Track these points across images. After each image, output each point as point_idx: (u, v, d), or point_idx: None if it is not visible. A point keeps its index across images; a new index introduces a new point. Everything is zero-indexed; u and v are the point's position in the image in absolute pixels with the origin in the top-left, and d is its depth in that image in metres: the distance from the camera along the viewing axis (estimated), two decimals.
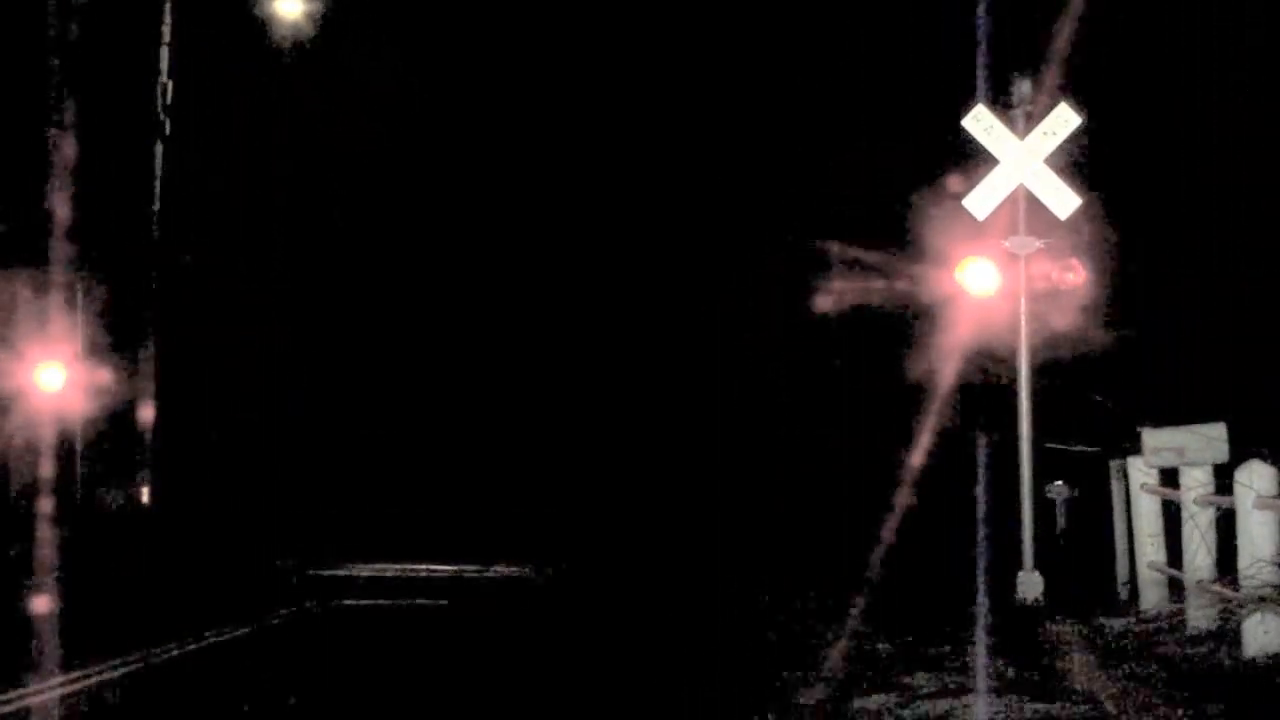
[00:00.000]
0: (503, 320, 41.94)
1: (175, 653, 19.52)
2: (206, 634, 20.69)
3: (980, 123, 22.44)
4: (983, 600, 21.67)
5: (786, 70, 37.96)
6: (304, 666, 18.85)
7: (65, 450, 30.46)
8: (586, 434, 39.45)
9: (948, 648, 18.15)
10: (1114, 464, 22.09)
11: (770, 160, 38.63)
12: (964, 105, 22.64)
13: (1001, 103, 22.75)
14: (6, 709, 15.67)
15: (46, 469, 29.46)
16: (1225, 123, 27.26)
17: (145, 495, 31.51)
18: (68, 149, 30.61)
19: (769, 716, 14.43)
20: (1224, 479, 18.00)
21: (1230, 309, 26.40)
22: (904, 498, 29.78)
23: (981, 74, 25.26)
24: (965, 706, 14.81)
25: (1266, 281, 25.81)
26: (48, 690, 16.65)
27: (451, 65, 41.42)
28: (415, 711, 16.09)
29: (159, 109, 31.97)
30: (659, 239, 40.91)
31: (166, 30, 32.01)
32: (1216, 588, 17.85)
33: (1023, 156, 22.25)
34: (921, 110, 28.92)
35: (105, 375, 30.34)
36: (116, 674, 17.88)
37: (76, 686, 17.12)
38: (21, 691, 16.29)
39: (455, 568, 29.82)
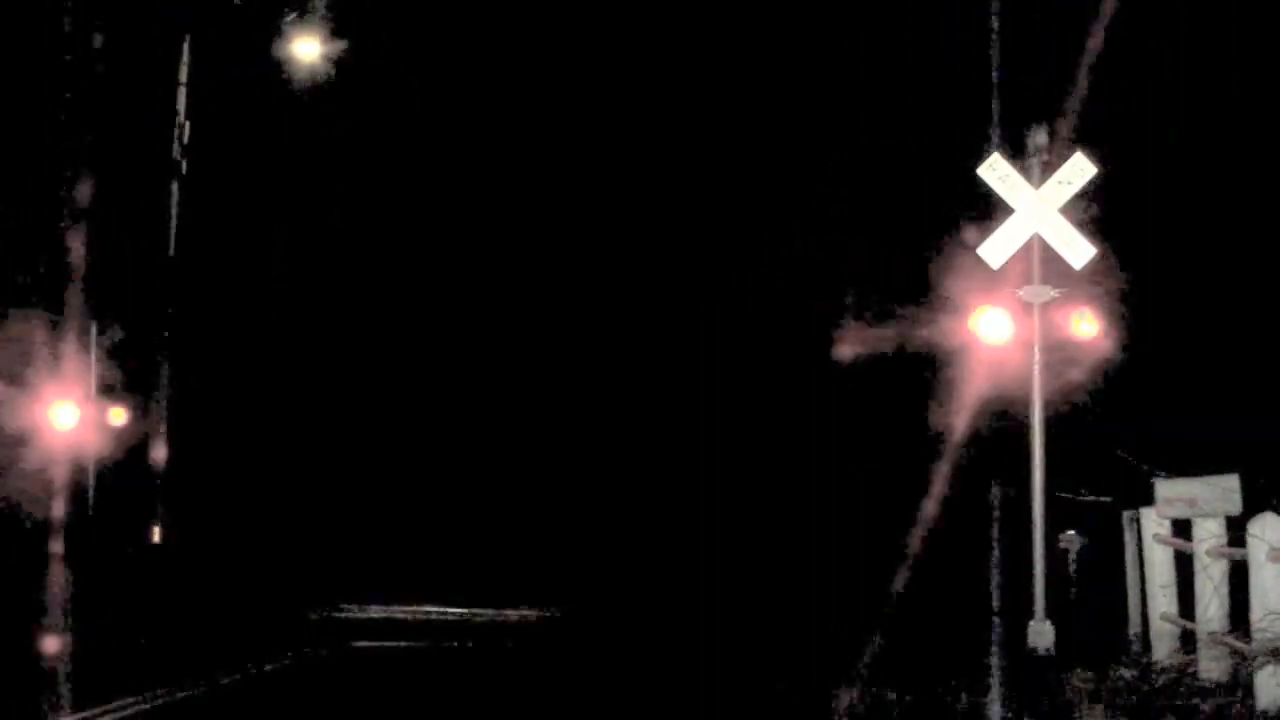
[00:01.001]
0: (506, 379, 42.04)
1: (191, 693, 19.62)
2: (220, 676, 20.74)
3: (995, 171, 22.45)
4: (995, 649, 21.69)
5: (794, 96, 38.08)
6: (318, 711, 18.89)
7: (77, 489, 30.53)
8: (595, 476, 39.48)
9: (960, 697, 18.17)
10: (1126, 514, 22.10)
11: (778, 204, 38.72)
12: (977, 147, 22.70)
13: (1016, 150, 22.79)
14: None
15: (59, 508, 29.55)
16: (1243, 168, 27.32)
17: (156, 535, 31.57)
18: (83, 193, 30.77)
19: None
20: (1237, 531, 18.01)
21: (1246, 361, 26.43)
22: (915, 544, 29.81)
23: (996, 122, 25.37)
24: None
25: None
26: None
27: (456, 82, 41.57)
28: None
29: (176, 150, 32.07)
30: (676, 269, 41.04)
31: (184, 71, 32.14)
32: (1229, 640, 17.85)
33: (1038, 206, 22.27)
34: (937, 149, 28.97)
35: (118, 414, 30.41)
36: (129, 713, 18.01)
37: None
38: None
39: (465, 610, 29.86)
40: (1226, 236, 27.52)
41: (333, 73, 35.16)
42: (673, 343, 40.75)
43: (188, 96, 32.05)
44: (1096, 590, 23.16)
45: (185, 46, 32.17)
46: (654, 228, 41.59)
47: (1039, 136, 22.47)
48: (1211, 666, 18.16)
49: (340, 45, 34.60)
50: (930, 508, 29.47)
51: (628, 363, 41.07)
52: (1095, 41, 27.94)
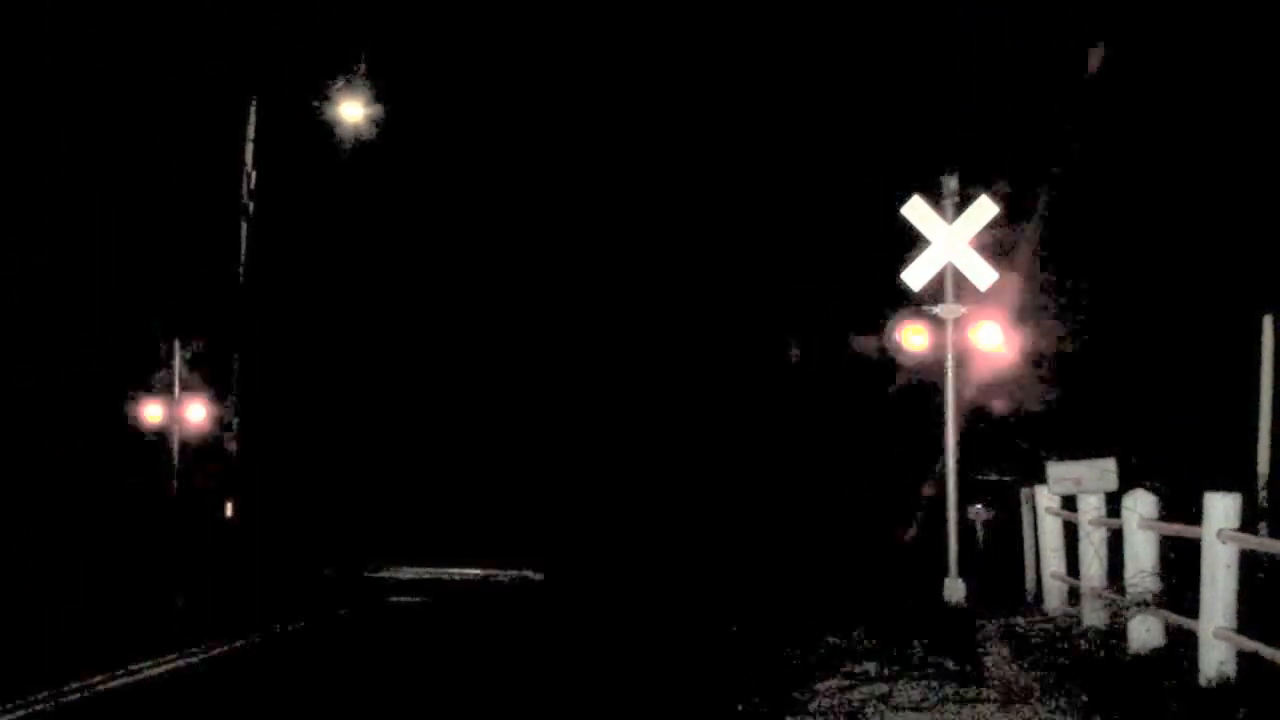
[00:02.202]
0: (524, 377, 42.12)
1: (276, 631, 20.07)
2: (275, 626, 20.96)
3: (916, 210, 22.60)
4: (915, 601, 21.87)
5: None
6: (364, 650, 19.10)
7: (166, 473, 30.71)
8: (589, 464, 39.59)
9: (886, 640, 18.33)
10: (1024, 491, 22.29)
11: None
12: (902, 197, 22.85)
13: (934, 194, 22.93)
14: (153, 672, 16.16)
15: (155, 488, 29.78)
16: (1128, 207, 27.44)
17: (229, 510, 31.71)
18: (170, 230, 31.05)
19: (740, 698, 14.63)
20: (1114, 504, 18.20)
21: (1123, 363, 26.58)
22: (849, 515, 29.94)
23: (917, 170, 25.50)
24: (901, 689, 15.02)
25: (1152, 341, 26.03)
26: (172, 663, 17.06)
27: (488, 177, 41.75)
28: (449, 677, 16.48)
29: (245, 194, 32.25)
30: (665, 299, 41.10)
31: (251, 129, 32.28)
32: (1107, 593, 18.03)
33: (950, 239, 22.44)
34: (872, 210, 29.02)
35: (199, 411, 30.60)
36: (238, 646, 18.45)
37: (216, 653, 17.61)
38: (147, 663, 16.66)
39: (479, 571, 30.00)
40: (1111, 256, 27.64)
41: (377, 128, 35.27)
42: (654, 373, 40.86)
43: (254, 149, 32.23)
44: (1000, 553, 23.35)
45: (252, 108, 32.32)
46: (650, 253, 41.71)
47: (951, 181, 22.66)
48: (1093, 616, 18.33)
49: (379, 104, 34.71)
50: (862, 485, 29.63)
51: (624, 372, 41.23)
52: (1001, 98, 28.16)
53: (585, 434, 40.80)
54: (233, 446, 32.21)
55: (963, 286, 22.59)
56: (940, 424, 22.67)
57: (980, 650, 17.60)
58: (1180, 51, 25.35)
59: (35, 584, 24.59)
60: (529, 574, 29.68)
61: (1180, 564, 16.07)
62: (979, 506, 24.48)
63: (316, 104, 34.12)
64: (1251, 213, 24.10)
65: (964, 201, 22.64)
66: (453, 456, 40.48)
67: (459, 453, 40.67)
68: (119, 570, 26.66)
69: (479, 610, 23.74)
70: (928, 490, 26.14)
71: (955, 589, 22.32)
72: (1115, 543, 17.94)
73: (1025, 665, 16.36)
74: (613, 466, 39.05)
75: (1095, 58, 26.56)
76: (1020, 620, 19.95)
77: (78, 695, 14.98)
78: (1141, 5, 25.63)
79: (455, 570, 30.12)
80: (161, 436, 30.40)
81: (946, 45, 30.68)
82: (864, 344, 30.68)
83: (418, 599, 25.14)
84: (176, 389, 30.03)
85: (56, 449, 29.50)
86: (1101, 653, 16.72)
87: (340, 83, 33.98)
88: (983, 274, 22.37)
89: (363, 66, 34.73)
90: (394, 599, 25.17)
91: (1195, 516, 14.79)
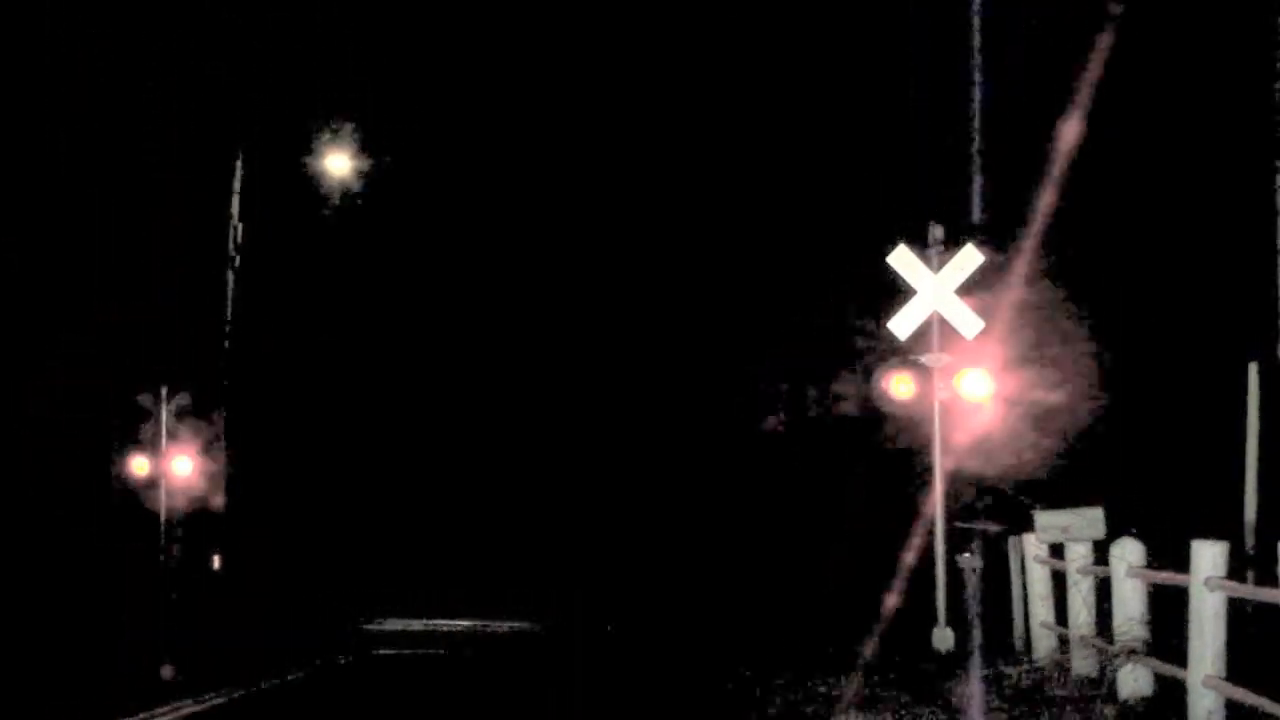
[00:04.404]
0: (510, 437, 42.06)
1: (263, 686, 19.88)
2: (262, 680, 20.83)
3: (901, 259, 22.56)
4: (904, 650, 21.73)
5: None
6: (348, 704, 18.96)
7: (153, 525, 30.56)
8: (582, 517, 39.51)
9: (874, 689, 18.21)
10: (1012, 539, 22.22)
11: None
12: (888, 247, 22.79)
13: (919, 243, 22.87)
14: None
15: (141, 541, 29.63)
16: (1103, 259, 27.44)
17: (216, 563, 31.54)
18: (156, 285, 30.99)
19: None
20: (1102, 552, 18.12)
21: (1110, 412, 26.54)
22: (840, 564, 29.82)
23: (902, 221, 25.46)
24: None
25: (1139, 389, 26.00)
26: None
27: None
28: None
29: (231, 247, 32.18)
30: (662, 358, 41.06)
31: (237, 182, 32.25)
32: (1096, 642, 17.93)
33: (937, 287, 22.38)
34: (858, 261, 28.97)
35: (185, 465, 30.45)
36: (220, 702, 18.23)
37: (196, 709, 17.43)
38: None
39: (467, 623, 29.88)
40: (1099, 305, 27.62)
41: (360, 182, 35.26)
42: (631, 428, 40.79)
43: (240, 202, 32.19)
44: (988, 602, 23.22)
45: (238, 162, 32.29)
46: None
47: (937, 231, 22.62)
48: (1082, 664, 18.24)
49: (366, 159, 34.71)
50: (848, 533, 29.46)
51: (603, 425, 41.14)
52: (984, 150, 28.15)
53: (577, 486, 40.69)
54: (219, 499, 32.06)
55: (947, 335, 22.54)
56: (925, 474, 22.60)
57: (969, 699, 17.46)
58: (1170, 100, 25.37)
59: (14, 639, 24.38)
60: (523, 626, 29.56)
61: (1169, 612, 15.95)
62: (967, 555, 24.35)
63: (302, 157, 34.11)
64: (1237, 262, 24.07)
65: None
66: (443, 509, 40.36)
67: (449, 505, 40.56)
68: (100, 623, 26.45)
69: (465, 661, 23.58)
70: (911, 538, 26.01)
71: (944, 637, 22.20)
72: (1103, 591, 17.85)
73: (1014, 714, 16.21)
74: (607, 520, 38.94)
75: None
76: (1009, 669, 19.81)
77: None
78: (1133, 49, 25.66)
79: (445, 622, 29.99)
80: (147, 488, 30.23)
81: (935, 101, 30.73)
82: (849, 396, 30.59)
83: (405, 651, 24.99)
84: (163, 440, 29.87)
85: (36, 499, 29.35)
86: (1090, 701, 16.59)
87: (326, 134, 33.98)
88: (969, 322, 22.32)
89: (348, 125, 34.71)
90: (381, 651, 25.02)
91: (1183, 564, 14.68)
